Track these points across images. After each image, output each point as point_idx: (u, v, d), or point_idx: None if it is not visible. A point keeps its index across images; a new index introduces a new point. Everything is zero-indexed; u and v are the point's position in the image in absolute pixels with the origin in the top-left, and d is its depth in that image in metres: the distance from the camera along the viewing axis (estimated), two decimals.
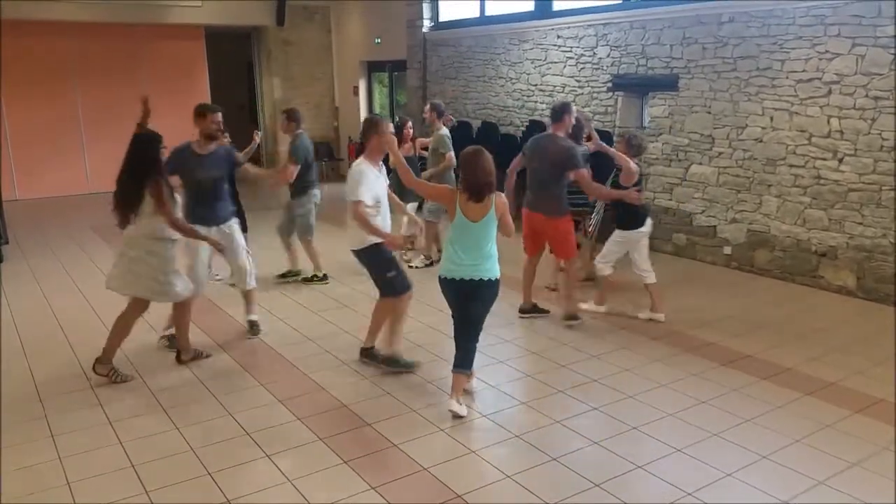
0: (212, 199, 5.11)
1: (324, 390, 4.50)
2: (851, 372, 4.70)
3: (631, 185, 5.49)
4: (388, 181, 4.83)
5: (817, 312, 5.99)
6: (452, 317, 4.29)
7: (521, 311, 5.85)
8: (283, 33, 13.59)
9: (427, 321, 5.65)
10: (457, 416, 4.08)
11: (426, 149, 7.42)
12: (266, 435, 3.94)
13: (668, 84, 7.60)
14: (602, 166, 6.20)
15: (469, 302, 4.16)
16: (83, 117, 12.31)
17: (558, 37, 8.95)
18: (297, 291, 6.65)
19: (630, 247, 5.69)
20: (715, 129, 7.24)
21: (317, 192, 6.79)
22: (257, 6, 13.01)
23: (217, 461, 3.66)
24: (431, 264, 7.25)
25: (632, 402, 4.32)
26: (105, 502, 3.31)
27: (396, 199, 5.01)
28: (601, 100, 8.45)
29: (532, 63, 9.42)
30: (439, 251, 7.21)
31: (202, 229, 4.92)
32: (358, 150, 4.73)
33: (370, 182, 4.49)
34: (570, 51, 8.80)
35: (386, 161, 4.84)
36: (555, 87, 9.09)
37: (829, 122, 6.31)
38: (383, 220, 4.61)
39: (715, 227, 7.41)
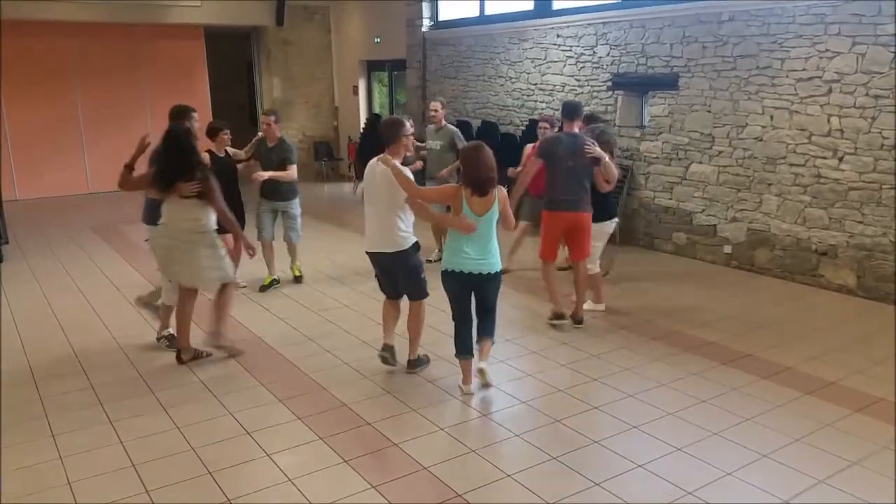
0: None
1: (324, 390, 4.50)
2: (851, 371, 4.70)
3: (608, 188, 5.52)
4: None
5: (817, 311, 5.98)
6: (452, 309, 4.44)
7: (556, 316, 5.55)
8: (282, 33, 13.59)
9: (427, 321, 5.61)
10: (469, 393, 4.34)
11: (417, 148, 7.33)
12: (266, 434, 3.94)
13: (667, 83, 7.59)
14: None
15: (476, 293, 4.37)
16: (83, 117, 12.29)
17: (558, 36, 8.95)
18: (298, 291, 6.64)
19: (602, 238, 5.77)
20: (715, 127, 7.24)
21: None
22: (257, 6, 13.00)
23: (217, 460, 3.66)
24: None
25: (632, 401, 4.32)
26: (105, 502, 3.31)
27: None
28: (601, 99, 8.45)
29: (532, 62, 9.41)
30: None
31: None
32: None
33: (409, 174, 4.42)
34: (570, 50, 8.79)
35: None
36: (555, 86, 9.09)
37: (829, 120, 6.31)
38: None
39: (715, 226, 7.41)
